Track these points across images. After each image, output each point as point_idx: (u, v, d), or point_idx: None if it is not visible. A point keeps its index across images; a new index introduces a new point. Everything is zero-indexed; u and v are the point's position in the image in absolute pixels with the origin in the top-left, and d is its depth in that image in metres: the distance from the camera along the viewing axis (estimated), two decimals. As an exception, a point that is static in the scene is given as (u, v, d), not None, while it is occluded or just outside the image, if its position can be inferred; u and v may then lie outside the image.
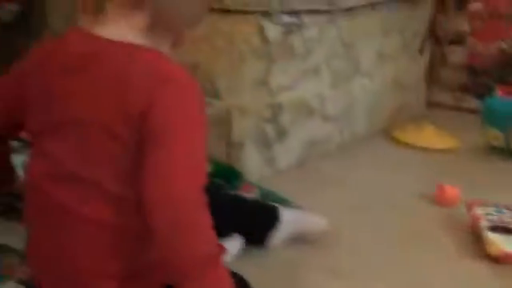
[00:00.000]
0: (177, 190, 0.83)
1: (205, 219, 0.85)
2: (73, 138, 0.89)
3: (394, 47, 1.96)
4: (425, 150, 1.92)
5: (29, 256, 0.96)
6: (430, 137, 1.98)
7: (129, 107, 0.84)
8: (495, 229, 1.37)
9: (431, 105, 2.30)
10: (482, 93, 2.22)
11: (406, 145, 1.95)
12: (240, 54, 1.47)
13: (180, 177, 0.83)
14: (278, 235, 1.27)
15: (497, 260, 1.32)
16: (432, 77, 2.32)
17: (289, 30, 1.53)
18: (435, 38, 2.31)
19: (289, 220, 1.28)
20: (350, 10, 1.71)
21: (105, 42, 0.88)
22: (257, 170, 1.57)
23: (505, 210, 1.46)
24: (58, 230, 0.90)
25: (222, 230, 0.99)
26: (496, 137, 1.92)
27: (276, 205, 1.31)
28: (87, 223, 0.88)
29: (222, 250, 0.89)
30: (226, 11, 1.46)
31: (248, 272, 1.05)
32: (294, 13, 1.54)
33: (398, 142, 1.97)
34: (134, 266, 0.91)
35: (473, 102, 2.27)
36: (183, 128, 0.85)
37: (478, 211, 1.45)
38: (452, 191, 1.58)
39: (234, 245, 1.24)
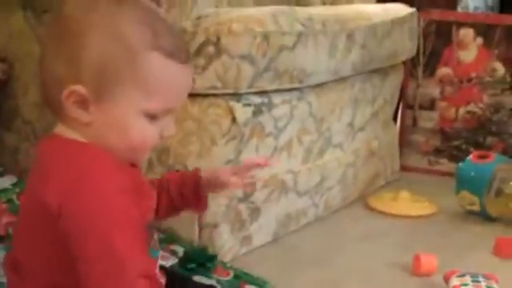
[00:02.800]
0: None
1: None
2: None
3: (366, 117, 1.99)
4: (401, 217, 1.94)
5: None
6: (406, 204, 1.99)
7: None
8: (471, 300, 1.38)
9: (405, 169, 2.33)
10: (456, 156, 2.26)
11: (382, 213, 1.96)
12: (210, 137, 1.49)
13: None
14: None
15: (473, 333, 1.33)
16: (404, 141, 2.35)
17: (258, 109, 1.56)
18: (406, 104, 2.35)
19: None
20: (319, 85, 1.74)
21: None
22: (231, 250, 1.57)
23: (481, 278, 1.46)
24: None
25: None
26: (471, 202, 1.93)
27: None
28: None
29: None
30: (196, 95, 1.48)
31: None
32: (263, 92, 1.57)
33: (373, 210, 1.98)
34: None
35: (446, 165, 2.30)
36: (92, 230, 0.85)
37: (455, 282, 1.46)
38: (428, 261, 1.59)
39: None
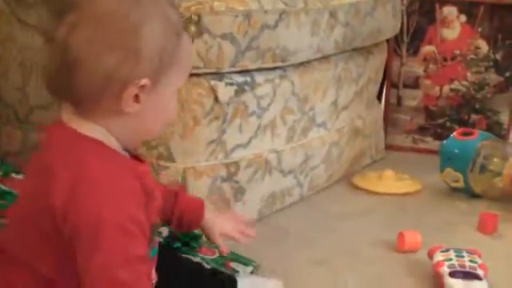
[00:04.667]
0: None
1: None
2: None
3: (349, 96, 1.99)
4: (386, 195, 1.95)
5: None
6: (390, 182, 2.00)
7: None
8: (455, 274, 1.39)
9: (390, 148, 2.33)
10: (440, 134, 2.27)
11: (367, 191, 1.97)
12: (193, 117, 1.49)
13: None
14: None
15: (456, 306, 1.34)
16: (389, 120, 2.35)
17: (241, 89, 1.55)
18: (390, 82, 2.35)
19: None
20: (302, 64, 1.74)
21: None
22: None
23: (465, 253, 1.47)
24: None
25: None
26: (456, 178, 1.94)
27: (234, 275, 1.29)
28: None
29: None
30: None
31: None
32: (245, 71, 1.56)
33: (358, 189, 1.99)
34: None
35: (431, 143, 2.30)
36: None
37: (439, 257, 1.47)
38: (413, 237, 1.60)
39: None
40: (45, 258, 0.90)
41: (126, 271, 0.85)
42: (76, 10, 0.85)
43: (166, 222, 1.24)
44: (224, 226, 1.27)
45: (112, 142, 0.92)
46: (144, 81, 0.88)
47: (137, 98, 0.89)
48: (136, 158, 0.98)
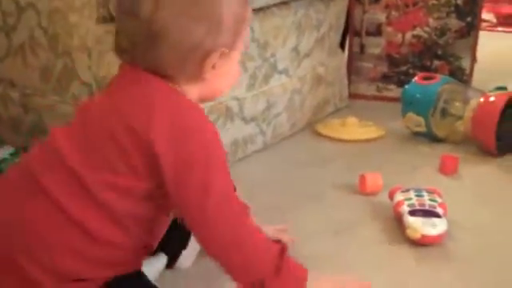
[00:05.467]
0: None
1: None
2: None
3: (311, 43, 1.98)
4: (349, 142, 1.95)
5: None
6: (354, 129, 2.00)
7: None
8: (414, 212, 1.40)
9: (353, 96, 2.33)
10: (403, 81, 2.27)
11: (331, 139, 1.97)
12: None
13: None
14: (187, 254, 1.25)
15: (416, 243, 1.36)
16: (352, 69, 2.35)
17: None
18: (353, 30, 2.34)
19: None
20: (261, 9, 1.72)
21: None
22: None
23: (424, 193, 1.49)
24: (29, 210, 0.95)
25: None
26: (418, 123, 1.95)
27: None
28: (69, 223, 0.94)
29: (280, 245, 1.01)
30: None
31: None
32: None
33: (322, 136, 1.99)
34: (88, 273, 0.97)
35: (395, 91, 2.31)
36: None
37: (399, 197, 1.48)
38: (374, 179, 1.61)
39: (161, 262, 1.22)
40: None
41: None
42: None
43: None
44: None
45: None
46: (223, 49, 0.98)
47: (214, 64, 0.99)
48: None
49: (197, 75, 0.99)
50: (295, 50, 1.91)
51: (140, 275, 1.06)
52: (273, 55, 1.80)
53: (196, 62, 0.97)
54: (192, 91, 1.01)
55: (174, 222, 1.12)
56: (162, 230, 1.10)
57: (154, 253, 1.17)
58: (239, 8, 1.00)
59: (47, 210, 0.94)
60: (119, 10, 0.99)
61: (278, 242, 1.06)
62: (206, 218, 0.96)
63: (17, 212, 0.96)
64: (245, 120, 1.75)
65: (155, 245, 1.10)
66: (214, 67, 0.99)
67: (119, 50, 0.99)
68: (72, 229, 0.94)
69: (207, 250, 1.00)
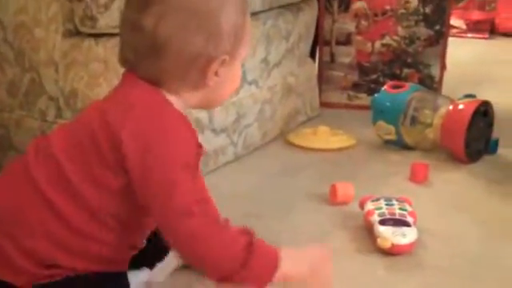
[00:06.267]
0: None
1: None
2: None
3: (280, 53, 1.99)
4: (320, 151, 1.96)
5: None
6: (325, 138, 2.01)
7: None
8: (384, 222, 1.41)
9: (325, 105, 2.34)
10: (374, 89, 2.28)
11: (302, 148, 1.97)
12: (118, 77, 1.45)
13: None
14: (162, 268, 1.24)
15: (386, 252, 1.36)
16: (323, 78, 2.36)
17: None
18: (323, 40, 2.35)
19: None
20: (229, 21, 1.72)
21: None
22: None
23: (395, 202, 1.49)
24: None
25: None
26: (388, 131, 1.96)
27: None
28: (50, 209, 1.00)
29: (248, 234, 1.03)
30: (100, 35, 1.45)
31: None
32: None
33: (293, 146, 1.99)
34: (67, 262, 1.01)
35: (365, 99, 2.32)
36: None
37: (370, 206, 1.48)
38: (345, 189, 1.61)
39: (144, 275, 1.21)
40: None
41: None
42: (161, 2, 0.99)
43: None
44: None
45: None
46: (225, 56, 1.02)
47: (216, 72, 1.03)
48: None
49: (200, 82, 1.04)
50: (264, 60, 1.91)
51: (121, 277, 1.08)
52: (242, 66, 1.80)
53: (198, 70, 1.02)
54: (194, 99, 1.06)
55: (154, 232, 1.12)
56: (145, 231, 1.12)
57: (135, 264, 1.17)
58: (238, 16, 1.04)
59: (29, 191, 1.01)
60: (124, 24, 1.05)
61: (246, 229, 1.06)
62: (170, 219, 0.99)
63: (11, 199, 1.03)
64: (215, 132, 1.75)
65: (139, 246, 1.12)
66: (217, 74, 1.04)
67: (123, 60, 1.06)
68: (48, 211, 0.99)
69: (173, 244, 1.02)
